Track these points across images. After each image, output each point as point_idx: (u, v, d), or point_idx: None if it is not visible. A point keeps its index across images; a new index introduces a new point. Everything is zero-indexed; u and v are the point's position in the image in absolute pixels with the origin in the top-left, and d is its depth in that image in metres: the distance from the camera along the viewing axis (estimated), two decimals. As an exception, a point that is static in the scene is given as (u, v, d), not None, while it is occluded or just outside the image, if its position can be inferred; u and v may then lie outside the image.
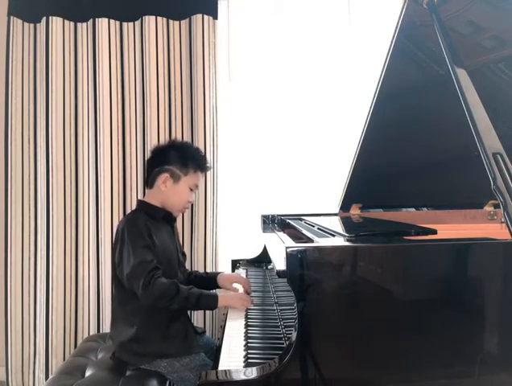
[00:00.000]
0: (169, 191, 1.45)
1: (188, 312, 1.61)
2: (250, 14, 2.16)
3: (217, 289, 1.63)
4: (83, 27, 2.08)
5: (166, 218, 1.49)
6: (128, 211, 2.02)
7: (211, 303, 1.37)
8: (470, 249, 0.96)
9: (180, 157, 1.46)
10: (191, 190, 1.48)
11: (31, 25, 2.12)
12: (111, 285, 1.45)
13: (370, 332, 0.92)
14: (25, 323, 2.12)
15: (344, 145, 2.05)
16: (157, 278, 1.28)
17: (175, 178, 1.45)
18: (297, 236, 1.30)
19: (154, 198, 1.47)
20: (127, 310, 1.37)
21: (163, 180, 1.44)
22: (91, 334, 2.02)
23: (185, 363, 1.34)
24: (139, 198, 1.60)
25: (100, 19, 2.05)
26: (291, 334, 0.96)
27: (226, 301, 1.39)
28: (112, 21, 2.05)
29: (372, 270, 0.92)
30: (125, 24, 2.07)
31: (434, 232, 1.09)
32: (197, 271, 1.78)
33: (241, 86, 2.19)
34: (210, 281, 1.63)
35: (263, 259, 1.90)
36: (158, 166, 1.45)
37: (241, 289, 1.56)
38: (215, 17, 2.05)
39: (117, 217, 2.04)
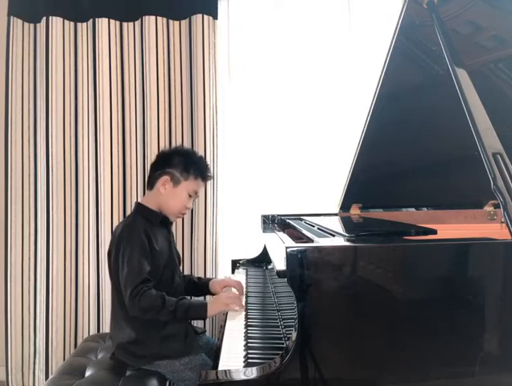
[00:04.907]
0: (168, 194, 1.45)
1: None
2: (250, 14, 2.16)
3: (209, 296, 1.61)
4: (83, 27, 2.08)
5: (162, 222, 1.49)
6: (128, 211, 2.02)
7: (200, 314, 1.36)
8: (470, 249, 0.96)
9: (183, 162, 1.46)
10: (190, 196, 1.48)
11: (31, 25, 2.12)
12: (111, 286, 1.44)
13: (370, 332, 0.92)
14: (25, 323, 2.12)
15: (344, 145, 2.05)
16: (146, 290, 1.26)
17: (175, 182, 1.44)
18: (297, 236, 1.31)
19: (152, 200, 1.47)
20: (126, 311, 1.34)
21: (163, 182, 1.44)
22: (91, 334, 2.02)
23: (185, 362, 1.34)
24: (138, 200, 1.59)
25: (100, 19, 2.05)
26: (291, 334, 0.96)
27: (214, 309, 1.36)
28: (112, 21, 2.05)
29: (372, 270, 0.92)
30: (125, 24, 2.07)
31: (434, 232, 1.09)
32: (190, 275, 1.75)
33: (241, 86, 2.19)
34: (202, 287, 1.61)
35: (263, 259, 1.90)
36: (161, 169, 1.46)
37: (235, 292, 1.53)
38: (215, 17, 2.05)
39: (117, 217, 2.04)
